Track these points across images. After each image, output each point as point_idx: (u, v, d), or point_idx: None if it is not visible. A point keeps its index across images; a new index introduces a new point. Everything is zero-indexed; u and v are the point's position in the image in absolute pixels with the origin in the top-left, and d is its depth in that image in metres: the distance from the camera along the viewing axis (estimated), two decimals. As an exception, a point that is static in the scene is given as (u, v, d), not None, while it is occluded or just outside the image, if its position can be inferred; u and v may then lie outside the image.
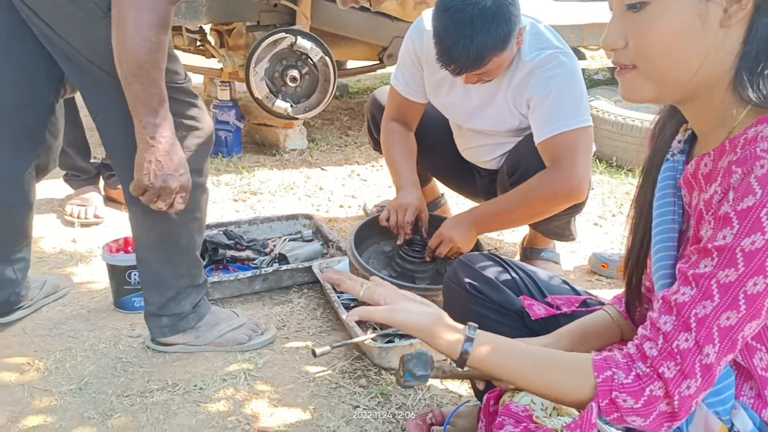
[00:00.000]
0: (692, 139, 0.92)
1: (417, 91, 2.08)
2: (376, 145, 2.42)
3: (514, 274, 1.26)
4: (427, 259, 1.91)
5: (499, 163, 2.10)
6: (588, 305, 1.18)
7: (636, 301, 1.03)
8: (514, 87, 1.86)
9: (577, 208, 1.97)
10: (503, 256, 1.32)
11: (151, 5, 1.36)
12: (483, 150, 2.12)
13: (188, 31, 3.41)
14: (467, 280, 1.25)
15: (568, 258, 2.38)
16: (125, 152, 1.53)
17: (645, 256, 0.98)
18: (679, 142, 0.92)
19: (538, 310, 1.16)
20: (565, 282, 1.29)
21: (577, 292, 1.24)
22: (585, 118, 1.81)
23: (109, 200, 2.67)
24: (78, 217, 2.52)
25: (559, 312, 1.17)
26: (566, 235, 2.15)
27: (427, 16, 1.91)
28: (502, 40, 1.68)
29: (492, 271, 1.26)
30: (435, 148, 2.24)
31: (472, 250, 1.87)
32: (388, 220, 1.93)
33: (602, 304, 1.16)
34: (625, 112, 3.18)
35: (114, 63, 1.41)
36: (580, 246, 2.45)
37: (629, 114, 3.17)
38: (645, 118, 3.12)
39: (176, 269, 1.70)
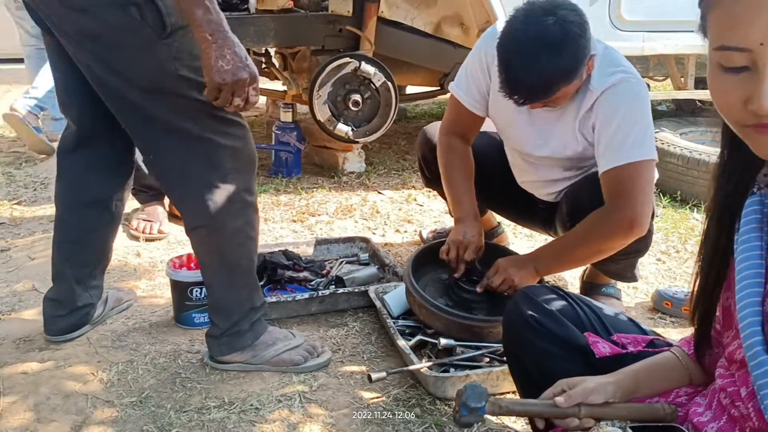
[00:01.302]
0: None
1: (480, 103, 2.00)
2: (428, 183, 2.40)
3: (578, 309, 1.23)
4: (478, 290, 1.88)
5: (559, 197, 2.05)
6: (655, 346, 1.14)
7: (705, 344, 0.99)
8: (582, 113, 1.81)
9: (640, 249, 1.91)
10: (567, 290, 1.29)
11: None
12: (543, 184, 2.07)
13: (254, 53, 3.50)
14: (530, 312, 1.22)
15: (630, 294, 2.32)
16: (182, 185, 1.61)
17: (717, 297, 0.94)
18: (766, 175, 0.88)
19: (603, 348, 1.12)
20: (631, 320, 1.25)
21: (644, 331, 1.20)
22: (650, 150, 1.74)
23: (173, 216, 2.75)
24: (143, 232, 2.60)
25: (625, 351, 1.14)
26: (629, 276, 2.08)
27: (501, 24, 1.84)
28: (570, 70, 1.64)
29: (555, 305, 1.23)
30: (491, 180, 2.16)
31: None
32: (447, 253, 1.92)
33: (670, 345, 1.12)
34: (691, 145, 3.10)
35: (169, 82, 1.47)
36: (643, 282, 2.38)
37: (695, 147, 3.08)
38: (711, 151, 3.03)
39: (239, 294, 1.74)
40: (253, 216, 1.71)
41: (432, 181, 2.35)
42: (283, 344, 1.82)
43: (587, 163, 1.94)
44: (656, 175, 1.84)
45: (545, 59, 1.59)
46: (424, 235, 2.71)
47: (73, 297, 1.87)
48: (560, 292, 1.26)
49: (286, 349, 1.81)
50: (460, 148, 2.06)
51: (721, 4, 0.72)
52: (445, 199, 2.38)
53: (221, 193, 1.62)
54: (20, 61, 5.25)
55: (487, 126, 2.12)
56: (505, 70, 1.65)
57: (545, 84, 1.64)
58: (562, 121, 1.87)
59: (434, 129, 2.28)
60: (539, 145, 1.95)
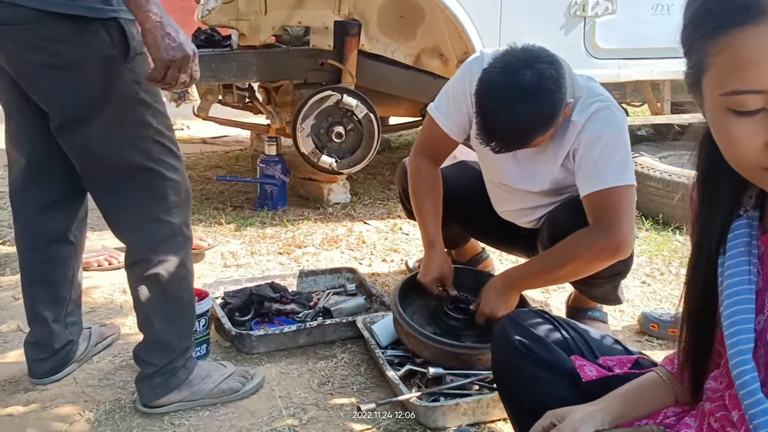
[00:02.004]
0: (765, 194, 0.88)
1: (458, 128, 1.99)
2: (411, 215, 2.39)
3: (564, 333, 1.24)
4: (474, 319, 1.90)
5: (539, 223, 2.07)
6: (641, 366, 1.15)
7: (705, 367, 0.98)
8: (566, 148, 1.84)
9: (621, 272, 1.94)
10: (553, 314, 1.30)
11: None
12: (523, 212, 2.10)
13: (238, 88, 3.54)
14: (517, 337, 1.23)
15: (617, 317, 2.34)
16: (129, 218, 1.65)
17: (709, 320, 0.94)
18: (751, 197, 0.89)
19: (589, 371, 1.13)
20: (616, 341, 1.27)
21: (629, 352, 1.22)
22: (631, 177, 1.79)
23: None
24: (110, 264, 2.60)
25: (611, 373, 1.15)
26: (612, 299, 2.10)
27: (488, 54, 1.87)
28: (545, 122, 1.68)
29: (542, 329, 1.24)
30: (471, 209, 2.20)
31: (516, 307, 1.86)
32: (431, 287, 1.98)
33: (655, 364, 1.13)
34: (671, 169, 3.16)
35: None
36: (628, 305, 2.40)
37: (675, 170, 3.14)
38: (691, 174, 3.07)
39: (180, 329, 1.73)
40: (190, 251, 1.73)
41: (413, 213, 2.36)
42: (218, 374, 1.81)
43: (567, 191, 1.97)
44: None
45: (520, 112, 1.63)
46: (410, 264, 2.73)
47: (53, 337, 1.84)
48: (546, 316, 1.27)
49: (223, 378, 1.81)
50: (429, 170, 2.06)
51: (729, 47, 0.70)
52: None
53: (165, 227, 1.64)
54: None
55: (465, 155, 2.15)
56: (481, 119, 1.70)
57: (520, 135, 1.69)
58: (545, 156, 1.91)
59: None
60: (522, 178, 1.99)
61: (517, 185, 2.01)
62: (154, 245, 1.64)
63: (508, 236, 2.23)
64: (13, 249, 2.86)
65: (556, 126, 1.74)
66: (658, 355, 2.04)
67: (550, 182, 1.95)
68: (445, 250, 2.11)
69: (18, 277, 2.55)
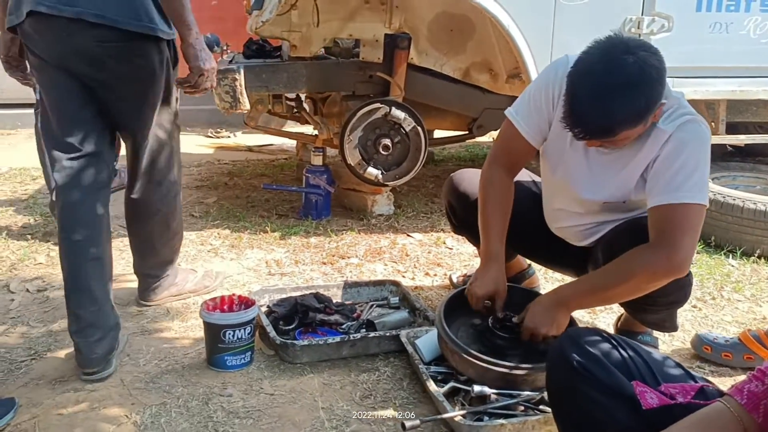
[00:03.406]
0: None
1: (537, 134, 1.92)
2: (456, 229, 2.38)
3: (624, 353, 1.20)
4: (517, 336, 1.86)
5: (593, 243, 2.01)
6: (705, 395, 1.11)
7: None
8: (646, 152, 1.75)
9: (680, 300, 1.87)
10: (612, 333, 1.27)
11: None
12: (578, 229, 2.03)
13: (286, 98, 3.58)
14: (574, 356, 1.19)
15: (666, 341, 2.27)
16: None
17: None
18: None
19: (650, 398, 1.10)
20: (678, 365, 1.22)
21: (693, 378, 1.17)
22: (706, 197, 1.70)
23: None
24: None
25: (673, 402, 1.11)
26: (667, 326, 2.03)
27: (572, 57, 1.77)
28: (639, 115, 1.59)
29: (601, 349, 1.20)
30: (522, 226, 2.09)
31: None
32: (476, 303, 1.93)
33: (721, 393, 1.08)
34: (725, 191, 3.07)
35: None
36: (679, 331, 2.33)
37: (729, 192, 3.05)
38: (746, 197, 3.00)
39: (175, 248, 2.41)
40: (180, 199, 2.36)
41: (460, 227, 2.34)
42: (192, 276, 2.52)
43: (633, 209, 1.91)
44: None
45: (618, 100, 1.55)
46: (454, 279, 2.70)
47: (102, 317, 1.96)
48: (605, 335, 1.23)
49: (197, 278, 2.51)
50: (503, 182, 2.00)
51: None
52: (474, 244, 2.37)
53: (175, 186, 2.31)
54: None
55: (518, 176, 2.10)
56: (572, 103, 1.60)
57: (611, 125, 1.60)
58: (621, 164, 1.82)
59: (461, 176, 2.27)
60: (591, 187, 1.90)
61: (584, 195, 1.92)
62: (166, 197, 2.27)
63: (557, 254, 2.16)
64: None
65: (645, 125, 1.65)
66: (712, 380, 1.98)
67: (622, 193, 1.86)
68: None
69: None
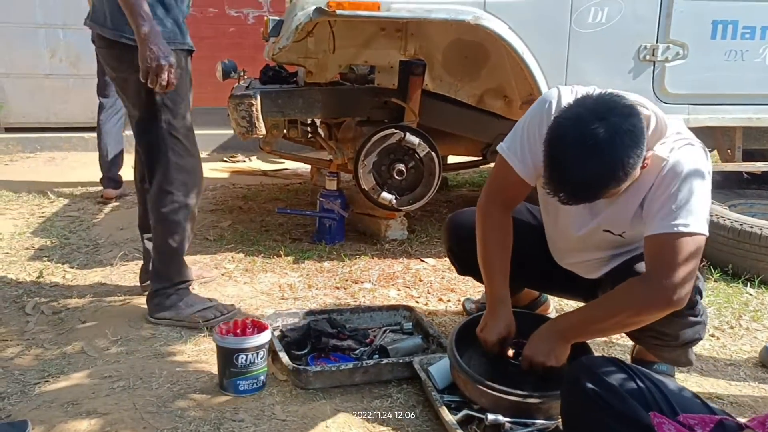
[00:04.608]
0: None
1: (531, 170, 1.87)
2: (462, 271, 2.32)
3: (639, 383, 1.19)
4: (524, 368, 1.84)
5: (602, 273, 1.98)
6: (724, 427, 1.09)
7: None
8: (644, 181, 1.69)
9: (696, 339, 1.83)
10: (628, 362, 1.25)
11: None
12: (588, 264, 2.00)
13: (302, 123, 3.61)
14: (589, 385, 1.18)
15: (683, 369, 2.23)
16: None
17: None
18: None
19: (668, 429, 1.08)
20: (696, 396, 1.21)
21: (711, 410, 1.16)
22: (704, 226, 1.64)
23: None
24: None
25: (691, 434, 1.09)
26: (683, 362, 1.98)
27: (566, 92, 1.79)
28: (618, 178, 1.56)
29: (616, 378, 1.19)
30: (524, 260, 2.03)
31: (579, 354, 1.78)
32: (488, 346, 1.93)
33: (741, 426, 1.07)
34: (741, 218, 3.04)
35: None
36: (696, 360, 2.30)
37: (746, 220, 3.02)
38: (763, 225, 2.97)
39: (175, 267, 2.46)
40: (187, 216, 2.43)
41: (463, 269, 2.29)
42: (200, 305, 2.46)
43: (634, 246, 1.89)
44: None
45: (590, 167, 1.52)
46: (467, 307, 2.69)
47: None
48: (621, 364, 1.22)
49: (202, 308, 2.45)
50: (501, 219, 1.97)
51: None
52: (480, 283, 2.20)
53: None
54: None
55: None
56: (550, 171, 1.59)
57: (591, 192, 1.59)
58: (619, 200, 1.77)
59: (461, 218, 2.20)
60: (583, 224, 1.88)
61: (578, 232, 1.90)
62: (168, 213, 2.38)
63: (567, 285, 2.13)
64: (81, 273, 2.96)
65: (632, 179, 1.61)
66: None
67: (618, 224, 1.83)
68: None
69: (84, 300, 2.65)
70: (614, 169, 1.54)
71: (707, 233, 1.65)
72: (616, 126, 1.51)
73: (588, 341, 1.91)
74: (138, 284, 2.74)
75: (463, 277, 3.03)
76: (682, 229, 1.61)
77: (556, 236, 2.05)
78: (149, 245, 2.60)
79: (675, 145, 1.68)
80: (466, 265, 2.20)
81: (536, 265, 2.11)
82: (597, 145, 1.50)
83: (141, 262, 2.74)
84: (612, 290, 1.70)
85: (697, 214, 1.63)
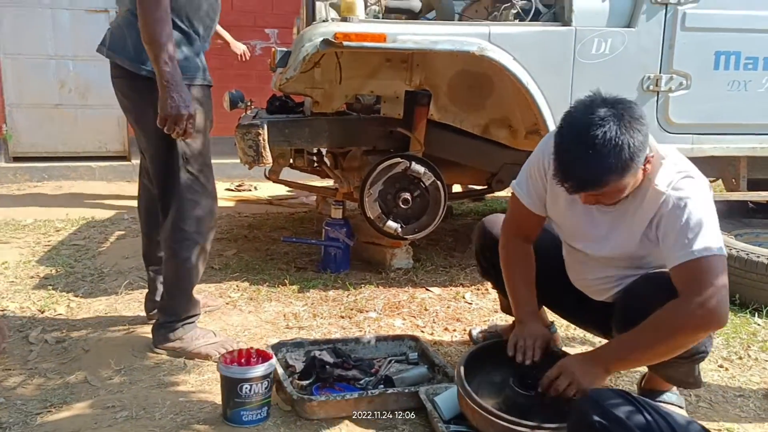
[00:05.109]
0: None
1: (540, 203, 2.04)
2: (485, 273, 2.41)
3: (647, 416, 1.18)
4: (540, 390, 1.81)
5: (613, 298, 2.00)
6: (733, 462, 1.07)
7: None
8: (645, 211, 1.80)
9: (704, 351, 1.83)
10: (634, 395, 1.24)
11: None
12: (595, 283, 2.04)
13: (308, 153, 3.63)
14: (596, 418, 1.18)
15: (692, 403, 2.20)
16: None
17: None
18: None
19: (676, 464, 1.07)
20: (704, 429, 1.19)
21: (717, 445, 1.14)
22: (721, 246, 1.70)
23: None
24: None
25: (700, 468, 1.08)
26: (691, 382, 1.98)
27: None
28: (622, 166, 1.65)
29: (623, 411, 1.19)
30: (547, 276, 2.14)
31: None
32: (514, 346, 1.93)
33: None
34: (748, 248, 3.03)
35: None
36: (705, 391, 2.27)
37: (753, 249, 3.01)
38: (769, 253, 2.95)
39: (176, 298, 2.43)
40: (196, 251, 2.39)
41: (488, 269, 2.35)
42: (203, 340, 2.42)
43: (646, 264, 1.91)
44: None
45: (599, 152, 1.62)
46: (474, 335, 2.67)
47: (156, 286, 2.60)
48: (628, 397, 1.21)
49: (206, 344, 2.40)
50: (522, 250, 2.09)
51: None
52: (498, 290, 2.42)
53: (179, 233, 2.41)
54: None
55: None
56: (559, 158, 1.70)
57: (596, 177, 1.66)
58: (624, 222, 1.86)
59: (492, 221, 2.31)
60: (596, 246, 1.95)
61: (589, 251, 1.97)
62: (177, 245, 2.35)
63: (581, 309, 2.16)
64: (85, 302, 2.96)
65: (635, 176, 1.70)
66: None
67: (626, 251, 1.89)
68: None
69: (88, 329, 2.64)
70: (621, 155, 1.62)
71: (726, 253, 1.72)
72: (623, 112, 1.64)
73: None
74: (143, 313, 2.73)
75: (469, 305, 3.04)
76: (704, 253, 1.68)
77: (568, 252, 2.12)
78: (154, 275, 2.59)
79: (675, 177, 1.76)
80: (492, 265, 2.26)
81: (557, 282, 2.15)
82: (602, 132, 1.61)
83: (146, 291, 2.73)
84: (653, 316, 1.70)
85: (712, 237, 1.70)
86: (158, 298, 2.56)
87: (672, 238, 1.73)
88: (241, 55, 5.48)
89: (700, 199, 1.73)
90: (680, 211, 1.72)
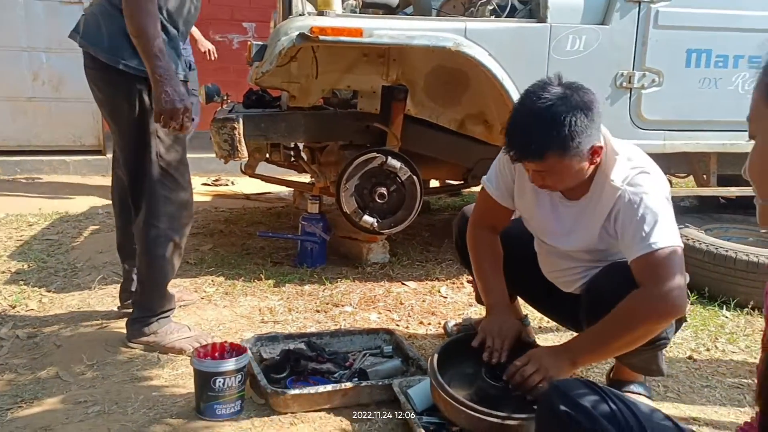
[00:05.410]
0: None
1: (508, 196, 2.10)
2: (464, 261, 2.43)
3: (612, 405, 1.20)
4: (505, 378, 1.83)
5: (580, 289, 2.04)
6: (694, 449, 1.10)
7: None
8: (606, 210, 1.85)
9: (667, 338, 1.88)
10: (600, 385, 1.27)
11: None
12: (562, 275, 2.09)
13: (284, 147, 3.63)
14: (563, 408, 1.19)
15: (660, 393, 2.24)
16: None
17: None
18: None
19: (639, 451, 1.09)
20: (667, 417, 1.22)
21: (681, 430, 1.17)
22: (677, 239, 1.76)
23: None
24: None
25: (662, 454, 1.10)
26: (654, 369, 2.02)
27: None
28: (561, 143, 1.71)
29: (589, 400, 1.21)
30: (521, 266, 2.18)
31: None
32: (482, 343, 1.94)
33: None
34: (717, 242, 3.09)
35: None
36: (673, 381, 2.32)
37: (722, 244, 3.07)
38: (738, 248, 3.01)
39: (148, 293, 2.41)
40: (170, 248, 2.37)
41: (467, 259, 2.35)
42: (177, 335, 2.40)
43: (609, 257, 1.96)
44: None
45: (540, 123, 1.71)
46: (448, 328, 2.69)
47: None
48: (594, 387, 1.23)
49: (180, 338, 2.38)
50: (489, 239, 2.15)
51: None
52: (474, 281, 2.44)
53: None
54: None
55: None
56: (506, 127, 1.80)
57: (536, 147, 1.73)
58: (584, 216, 1.93)
59: (472, 209, 2.33)
60: (561, 240, 2.00)
61: (556, 244, 2.03)
62: (148, 241, 2.33)
63: (554, 301, 2.20)
64: (57, 297, 2.93)
65: (578, 161, 1.76)
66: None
67: (589, 244, 1.95)
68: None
69: (60, 325, 2.62)
70: (559, 129, 1.70)
71: (682, 245, 1.77)
72: (571, 91, 1.72)
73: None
74: (116, 309, 2.71)
75: (444, 299, 3.06)
76: (660, 245, 1.73)
77: (538, 244, 2.17)
78: (129, 268, 2.58)
79: (630, 173, 1.82)
80: (466, 259, 2.29)
81: (530, 272, 2.19)
82: (548, 105, 1.70)
83: (120, 285, 2.72)
84: (617, 309, 1.74)
85: (668, 230, 1.77)
86: (134, 289, 2.54)
87: (630, 233, 1.79)
88: (207, 52, 5.43)
89: (655, 194, 1.79)
90: (636, 206, 1.78)
